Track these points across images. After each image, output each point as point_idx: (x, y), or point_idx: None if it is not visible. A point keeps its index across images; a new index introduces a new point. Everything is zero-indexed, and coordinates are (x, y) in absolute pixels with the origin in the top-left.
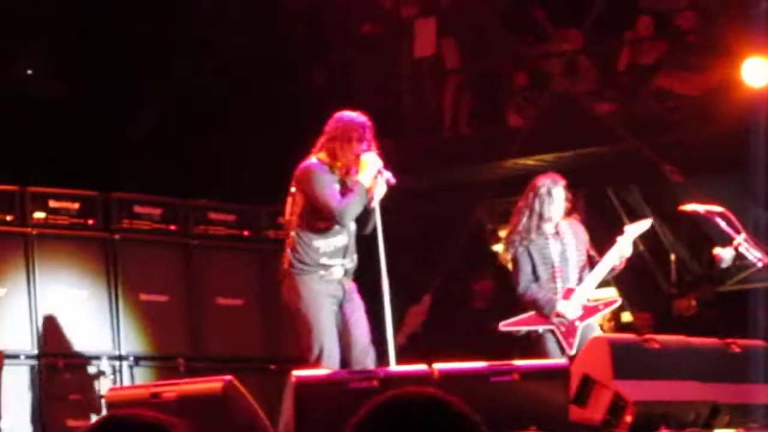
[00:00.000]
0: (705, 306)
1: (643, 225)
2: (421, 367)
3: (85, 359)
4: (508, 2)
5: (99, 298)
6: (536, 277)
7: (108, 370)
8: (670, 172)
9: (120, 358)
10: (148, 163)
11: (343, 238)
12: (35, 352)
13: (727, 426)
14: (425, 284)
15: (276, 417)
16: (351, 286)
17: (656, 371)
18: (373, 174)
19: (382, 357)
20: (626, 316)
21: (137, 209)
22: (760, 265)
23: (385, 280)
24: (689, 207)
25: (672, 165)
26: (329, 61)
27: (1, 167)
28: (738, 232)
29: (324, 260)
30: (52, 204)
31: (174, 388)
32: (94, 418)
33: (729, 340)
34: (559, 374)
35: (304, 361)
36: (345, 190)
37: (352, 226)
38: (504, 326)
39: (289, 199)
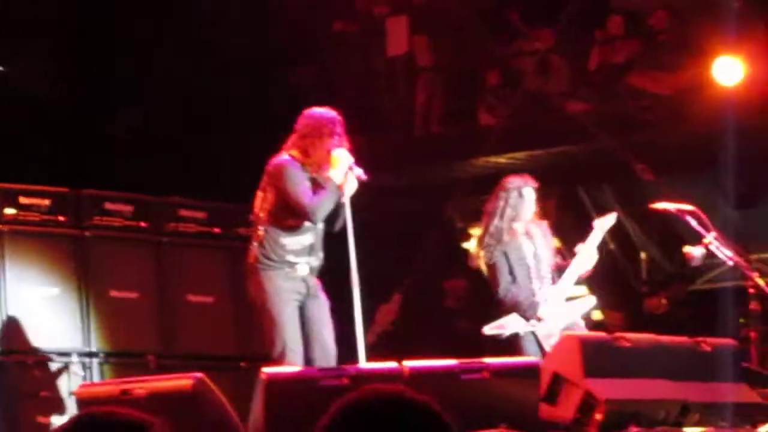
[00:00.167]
0: (676, 304)
1: (611, 219)
2: (391, 364)
3: (55, 356)
4: (480, 1)
5: (69, 294)
6: (513, 278)
7: (78, 366)
8: (641, 170)
9: (90, 354)
10: (122, 161)
11: (310, 236)
12: (4, 348)
13: (697, 424)
14: (396, 282)
15: (246, 414)
16: (316, 283)
17: (627, 370)
18: (344, 170)
19: (352, 355)
20: (597, 315)
21: (108, 206)
22: (730, 263)
23: (356, 278)
24: (660, 205)
25: (644, 164)
26: (308, 59)
27: None
28: (709, 230)
29: (290, 257)
30: (23, 200)
31: (144, 385)
32: (63, 415)
33: (699, 339)
34: (530, 372)
35: (267, 357)
36: (317, 187)
37: (320, 225)
38: (488, 330)
39: (259, 194)
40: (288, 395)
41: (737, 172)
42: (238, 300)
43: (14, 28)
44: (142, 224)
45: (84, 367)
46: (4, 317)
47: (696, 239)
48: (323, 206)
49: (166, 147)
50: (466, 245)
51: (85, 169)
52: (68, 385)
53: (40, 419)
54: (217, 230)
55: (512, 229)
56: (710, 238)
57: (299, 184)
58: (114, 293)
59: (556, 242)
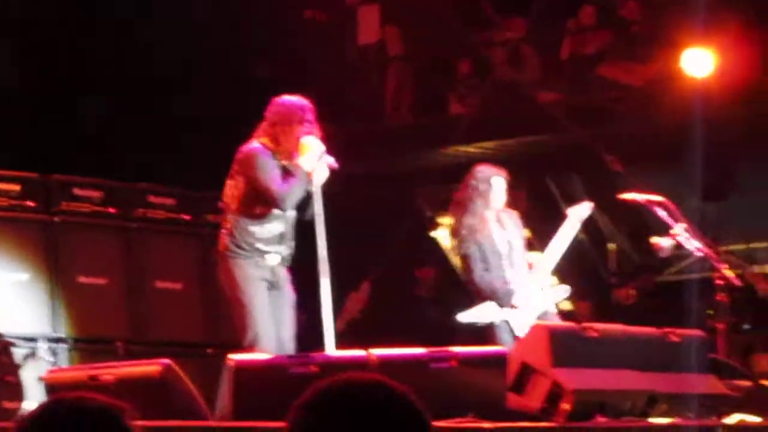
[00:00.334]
0: (644, 295)
1: (585, 207)
2: (359, 352)
3: (23, 342)
4: None
5: (38, 280)
6: (486, 266)
7: (46, 352)
8: (611, 161)
9: (59, 340)
10: (91, 147)
11: (280, 225)
12: None
13: (664, 415)
14: (365, 271)
15: (214, 400)
16: (284, 275)
17: (595, 360)
18: (314, 158)
19: (321, 343)
20: (566, 305)
21: (77, 192)
22: (699, 254)
23: (325, 266)
24: (629, 196)
25: (613, 154)
26: (274, 48)
27: None
28: (677, 221)
29: (260, 246)
30: None
31: (112, 371)
32: (31, 400)
33: (667, 330)
34: (498, 362)
35: (239, 344)
36: (287, 175)
37: (291, 213)
38: (463, 318)
39: (230, 182)
40: (256, 382)
41: (707, 163)
42: (207, 287)
43: None
44: (111, 210)
45: (52, 352)
46: None
47: (664, 230)
48: (292, 193)
49: (135, 133)
50: (434, 234)
51: (54, 155)
52: (36, 371)
53: (8, 405)
54: (186, 217)
55: (483, 217)
56: (679, 229)
57: (269, 171)
58: (83, 279)
59: (526, 232)
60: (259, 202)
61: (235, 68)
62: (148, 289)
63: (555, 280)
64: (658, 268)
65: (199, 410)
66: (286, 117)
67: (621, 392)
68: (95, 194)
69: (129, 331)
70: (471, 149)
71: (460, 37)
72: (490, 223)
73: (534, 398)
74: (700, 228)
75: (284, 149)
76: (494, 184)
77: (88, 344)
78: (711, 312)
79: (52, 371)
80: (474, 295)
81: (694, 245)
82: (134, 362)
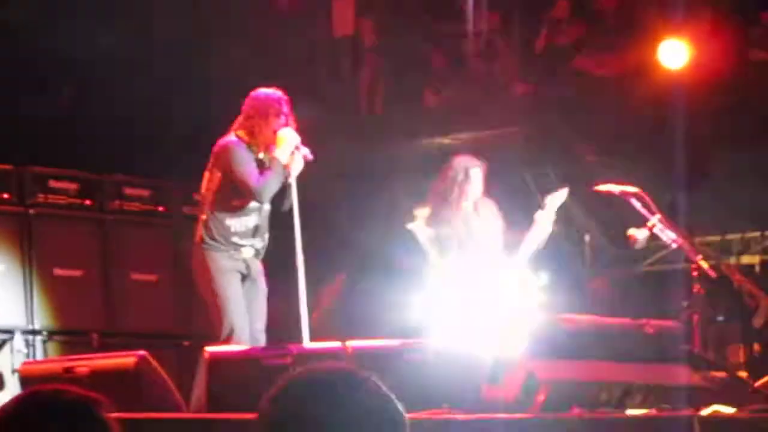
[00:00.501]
0: (619, 287)
1: (562, 195)
2: (334, 344)
3: None
4: None
5: (13, 272)
6: (464, 257)
7: (21, 344)
8: (586, 153)
9: (34, 332)
10: (67, 139)
11: (255, 218)
12: None
13: (640, 406)
14: (340, 262)
15: (189, 392)
16: (258, 268)
17: (570, 351)
18: (290, 150)
19: (296, 334)
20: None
21: (53, 184)
22: (674, 246)
23: (300, 257)
24: (604, 187)
25: (588, 146)
26: (248, 38)
27: None
28: (653, 212)
29: (235, 239)
30: None
31: (87, 363)
32: (6, 392)
33: (642, 321)
34: (473, 353)
35: (215, 337)
36: (264, 167)
37: (266, 207)
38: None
39: (206, 175)
40: (230, 374)
41: (682, 154)
42: (182, 278)
43: None
44: (87, 202)
45: (27, 344)
46: None
47: (640, 221)
48: (270, 186)
49: (110, 125)
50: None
51: (29, 147)
52: (11, 363)
53: None
54: (161, 209)
55: (460, 208)
56: (654, 220)
57: (246, 164)
58: (58, 271)
59: (503, 222)
60: (236, 196)
61: (210, 59)
62: (123, 281)
63: (531, 270)
64: (633, 260)
65: (174, 402)
66: (261, 110)
67: (596, 383)
68: (71, 186)
69: (104, 323)
70: (446, 141)
71: (435, 29)
72: (466, 213)
73: (509, 390)
74: (675, 219)
75: (260, 142)
76: (471, 175)
77: (63, 336)
78: (686, 303)
79: (27, 363)
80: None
81: (669, 236)
82: (109, 354)
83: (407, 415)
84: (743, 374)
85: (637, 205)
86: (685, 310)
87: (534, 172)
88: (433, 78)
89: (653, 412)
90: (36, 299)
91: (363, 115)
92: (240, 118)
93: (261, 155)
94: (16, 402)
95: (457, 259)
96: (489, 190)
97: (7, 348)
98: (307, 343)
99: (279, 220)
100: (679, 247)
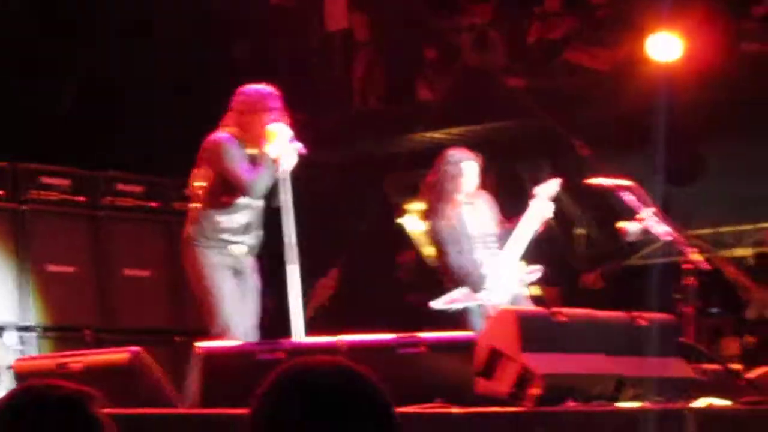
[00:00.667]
0: (612, 280)
1: (553, 184)
2: (328, 339)
3: None
4: None
5: (7, 268)
6: (459, 250)
7: (15, 340)
8: (578, 146)
9: (27, 329)
10: (59, 135)
11: (246, 214)
12: None
13: (632, 399)
14: (334, 258)
15: (183, 388)
16: (250, 264)
17: (563, 344)
18: (280, 144)
19: (290, 329)
20: (534, 290)
21: (45, 180)
22: (666, 239)
23: (294, 252)
24: (597, 181)
25: (580, 139)
26: (245, 34)
27: None
28: (645, 206)
29: (226, 236)
30: None
31: (81, 359)
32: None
33: (635, 314)
34: (467, 347)
35: (209, 333)
36: (255, 163)
37: (258, 203)
38: (436, 305)
39: (196, 171)
40: (224, 369)
41: (674, 148)
42: (175, 274)
43: None
44: (80, 198)
45: (21, 341)
46: None
47: (632, 215)
48: (261, 182)
49: (103, 121)
50: (401, 220)
51: (21, 143)
52: (5, 359)
53: None
54: (154, 204)
55: (455, 201)
56: (646, 213)
57: (237, 160)
58: (51, 267)
59: (497, 215)
60: (227, 192)
61: (203, 55)
62: (116, 277)
63: (524, 263)
64: (626, 253)
65: (168, 398)
66: (252, 105)
67: (590, 376)
68: (63, 182)
69: (98, 319)
70: (439, 135)
71: (427, 22)
72: (461, 207)
73: (503, 383)
74: (668, 212)
75: (251, 137)
76: (465, 168)
77: (56, 332)
78: (679, 296)
79: (20, 360)
80: (446, 279)
81: (661, 230)
82: (103, 350)
83: (402, 410)
84: (737, 367)
85: (630, 198)
86: (678, 303)
87: (527, 165)
88: (426, 72)
89: (647, 404)
90: (30, 295)
91: (356, 110)
92: (230, 114)
93: (252, 151)
94: (9, 397)
95: (454, 250)
96: (484, 183)
97: (1, 345)
98: (301, 338)
99: (271, 215)
100: (672, 240)
